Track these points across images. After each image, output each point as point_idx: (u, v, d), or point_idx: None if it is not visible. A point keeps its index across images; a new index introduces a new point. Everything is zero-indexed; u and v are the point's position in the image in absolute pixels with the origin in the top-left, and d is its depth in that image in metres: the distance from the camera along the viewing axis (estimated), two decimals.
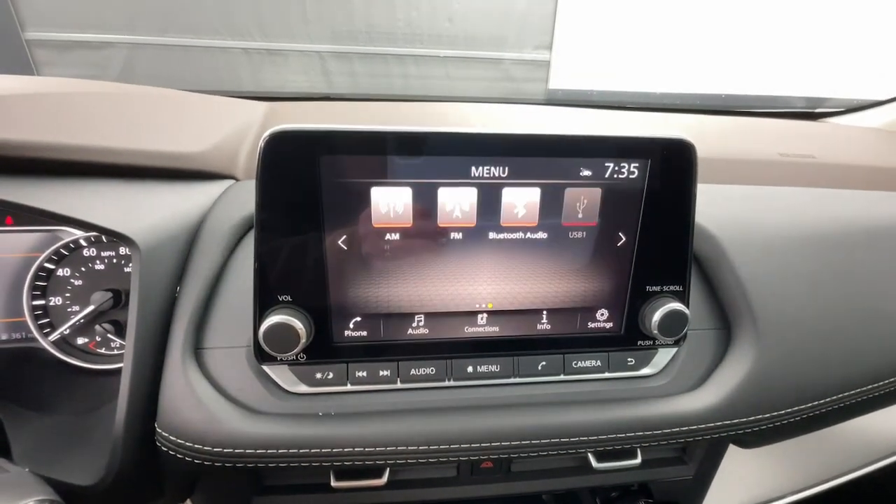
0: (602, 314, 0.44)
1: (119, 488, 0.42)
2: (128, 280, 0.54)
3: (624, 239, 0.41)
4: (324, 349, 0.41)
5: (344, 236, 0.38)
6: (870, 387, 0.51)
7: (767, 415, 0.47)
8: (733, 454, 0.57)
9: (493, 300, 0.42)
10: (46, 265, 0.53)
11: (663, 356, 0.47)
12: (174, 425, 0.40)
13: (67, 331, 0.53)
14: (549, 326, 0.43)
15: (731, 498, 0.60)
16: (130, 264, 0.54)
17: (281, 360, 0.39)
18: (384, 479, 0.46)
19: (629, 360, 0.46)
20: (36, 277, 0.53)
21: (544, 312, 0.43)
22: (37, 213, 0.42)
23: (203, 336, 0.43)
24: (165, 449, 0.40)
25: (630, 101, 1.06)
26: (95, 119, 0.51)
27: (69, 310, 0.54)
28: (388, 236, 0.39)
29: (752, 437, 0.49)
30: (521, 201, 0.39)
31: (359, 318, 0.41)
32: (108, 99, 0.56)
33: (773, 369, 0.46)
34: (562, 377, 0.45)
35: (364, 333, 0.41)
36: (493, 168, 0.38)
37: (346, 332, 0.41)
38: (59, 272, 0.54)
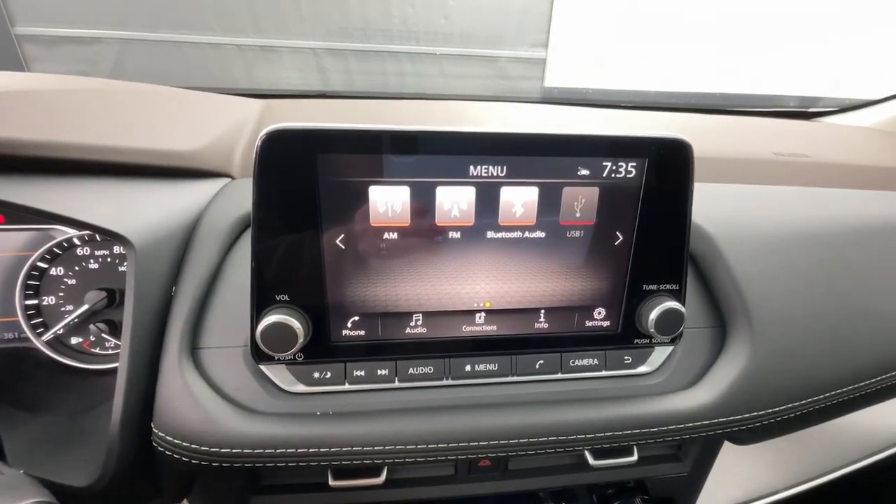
0: (599, 313, 0.44)
1: (115, 489, 0.42)
2: (122, 279, 0.53)
3: (621, 238, 0.42)
4: (322, 348, 0.40)
5: (342, 235, 0.38)
6: (862, 384, 0.52)
7: (762, 412, 0.47)
8: (728, 451, 0.57)
9: (491, 299, 0.42)
10: (39, 264, 0.52)
11: (659, 354, 0.47)
12: (171, 425, 0.39)
13: (61, 330, 0.53)
14: (546, 325, 0.43)
15: (726, 494, 0.61)
16: (125, 263, 0.54)
17: (278, 359, 0.39)
18: (382, 478, 0.46)
19: (626, 358, 0.46)
20: (29, 276, 0.52)
21: (542, 311, 0.43)
22: (29, 211, 0.42)
23: (199, 336, 0.43)
24: (162, 449, 0.40)
25: (626, 100, 1.06)
26: (88, 116, 0.51)
27: (63, 309, 0.54)
28: (386, 235, 0.39)
29: (747, 434, 0.50)
30: (519, 200, 0.39)
31: (357, 318, 0.41)
32: (100, 96, 0.56)
33: (767, 367, 0.47)
34: (559, 375, 0.45)
35: (362, 333, 0.41)
36: (491, 167, 0.38)
37: (344, 332, 0.41)
38: (53, 271, 0.53)
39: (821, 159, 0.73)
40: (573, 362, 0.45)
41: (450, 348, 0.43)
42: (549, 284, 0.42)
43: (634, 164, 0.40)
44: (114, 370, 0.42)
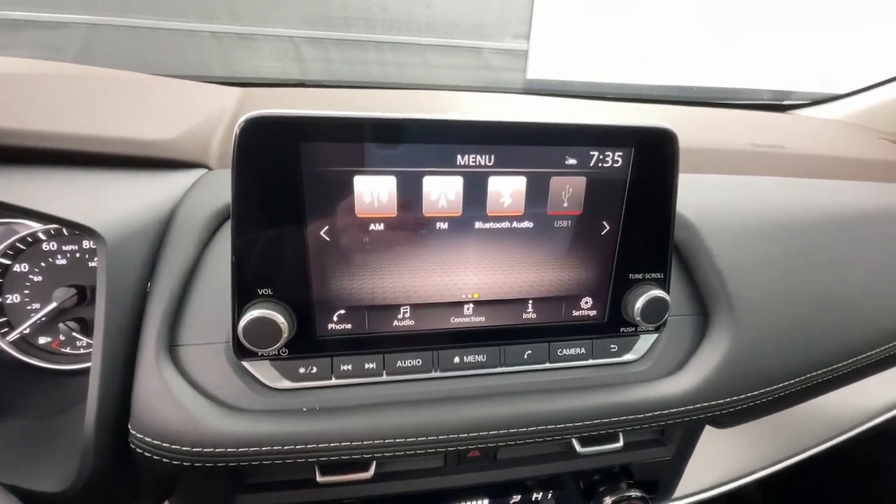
0: (586, 302, 0.44)
1: (91, 493, 0.40)
2: (93, 275, 0.51)
3: (608, 227, 0.42)
4: (307, 343, 0.39)
5: (326, 227, 0.37)
6: (836, 366, 0.54)
7: (743, 396, 0.49)
8: (707, 434, 0.59)
9: (480, 290, 0.42)
10: (2, 260, 0.49)
11: (644, 342, 0.48)
12: (149, 426, 0.38)
13: (27, 330, 0.50)
14: (534, 315, 0.43)
15: (705, 476, 0.63)
16: (95, 259, 0.51)
17: (262, 355, 0.38)
18: (371, 473, 0.46)
19: (612, 346, 0.47)
20: None
21: (530, 301, 0.43)
22: None
23: (178, 332, 0.41)
24: (140, 451, 0.38)
25: (608, 93, 1.07)
26: (56, 103, 0.48)
27: (29, 307, 0.51)
28: (372, 227, 0.38)
29: (728, 418, 0.51)
30: (507, 190, 0.39)
31: (343, 311, 0.40)
32: (69, 81, 0.53)
33: (747, 353, 0.48)
34: (547, 365, 0.45)
35: (348, 326, 0.40)
36: (478, 156, 0.38)
37: (330, 326, 0.40)
38: (16, 268, 0.50)
39: (795, 150, 0.75)
40: (561, 352, 0.45)
41: (438, 340, 0.42)
42: (536, 275, 0.42)
43: (621, 153, 0.40)
44: (86, 370, 0.40)
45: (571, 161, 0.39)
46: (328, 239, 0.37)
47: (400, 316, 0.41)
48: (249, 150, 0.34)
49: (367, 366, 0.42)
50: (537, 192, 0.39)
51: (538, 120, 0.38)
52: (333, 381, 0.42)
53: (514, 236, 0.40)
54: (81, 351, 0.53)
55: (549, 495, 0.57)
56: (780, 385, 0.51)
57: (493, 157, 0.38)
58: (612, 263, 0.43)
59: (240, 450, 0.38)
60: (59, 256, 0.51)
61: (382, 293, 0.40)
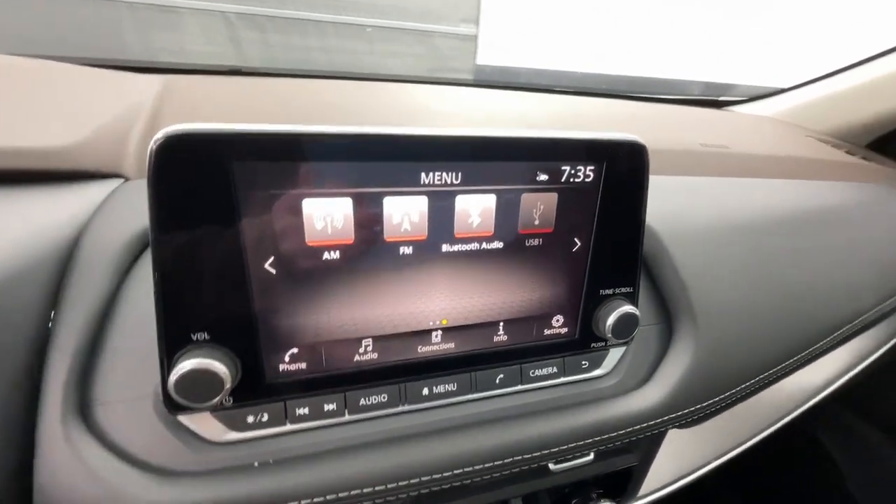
0: (557, 320, 0.42)
1: None
2: None
3: (579, 244, 0.40)
4: (255, 389, 0.34)
5: (271, 258, 0.32)
6: (793, 359, 0.58)
7: (708, 402, 0.50)
8: (669, 433, 0.61)
9: (448, 316, 0.38)
10: None
11: (613, 356, 0.47)
12: None
13: None
14: (506, 337, 0.41)
15: (667, 471, 0.65)
16: None
17: (200, 409, 0.33)
18: None
19: (583, 363, 0.46)
20: None
21: (501, 324, 0.41)
22: None
23: (91, 387, 0.34)
24: None
25: (554, 83, 1.06)
26: None
27: None
28: (326, 255, 0.33)
29: (694, 422, 0.53)
30: (475, 209, 0.36)
31: (295, 350, 0.35)
32: None
33: (711, 360, 0.49)
34: (519, 387, 0.44)
35: (303, 366, 0.35)
36: (444, 174, 0.34)
37: (282, 367, 0.35)
38: None
39: (738, 150, 0.77)
40: (533, 373, 0.44)
41: (405, 372, 0.39)
42: (508, 296, 0.40)
43: (593, 167, 0.38)
44: None
45: (543, 177, 0.37)
46: (274, 272, 0.32)
47: (361, 350, 0.37)
48: (169, 172, 0.28)
49: (326, 407, 0.37)
50: (507, 211, 0.37)
51: (508, 134, 0.35)
52: (288, 427, 0.37)
53: (484, 258, 0.37)
54: None
55: None
56: (744, 385, 0.53)
57: (460, 174, 0.34)
58: (583, 279, 0.41)
59: None
60: None
61: (340, 327, 0.35)
